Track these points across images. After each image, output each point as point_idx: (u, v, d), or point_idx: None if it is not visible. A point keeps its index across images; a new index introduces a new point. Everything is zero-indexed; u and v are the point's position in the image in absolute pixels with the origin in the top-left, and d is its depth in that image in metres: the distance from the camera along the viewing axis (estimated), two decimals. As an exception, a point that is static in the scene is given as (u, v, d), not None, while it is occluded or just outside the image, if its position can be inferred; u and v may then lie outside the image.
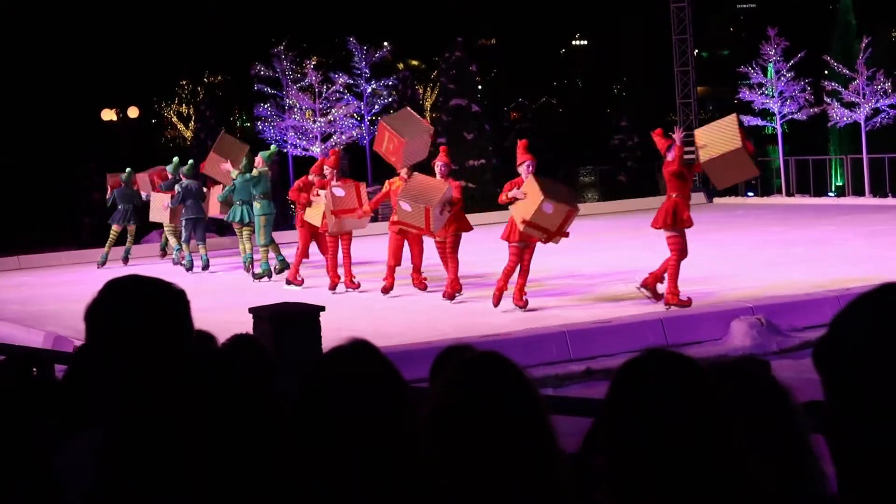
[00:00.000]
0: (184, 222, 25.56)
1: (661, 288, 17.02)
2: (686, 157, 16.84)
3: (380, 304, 19.07)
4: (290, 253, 23.03)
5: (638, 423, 2.45)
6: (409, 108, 21.82)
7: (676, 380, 2.50)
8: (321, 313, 10.53)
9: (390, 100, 39.73)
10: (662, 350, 2.60)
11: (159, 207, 26.85)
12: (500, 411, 2.66)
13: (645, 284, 17.22)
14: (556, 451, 2.70)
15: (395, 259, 19.39)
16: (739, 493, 2.39)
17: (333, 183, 20.35)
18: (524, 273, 17.40)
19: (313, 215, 20.94)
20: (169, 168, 27.30)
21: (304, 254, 21.90)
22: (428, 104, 57.43)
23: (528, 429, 2.68)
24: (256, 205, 23.07)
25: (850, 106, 35.31)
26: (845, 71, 35.75)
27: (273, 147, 26.65)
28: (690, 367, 2.53)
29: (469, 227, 18.81)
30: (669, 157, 16.57)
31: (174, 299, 3.20)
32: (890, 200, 33.69)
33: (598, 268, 22.49)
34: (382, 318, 17.47)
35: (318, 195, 20.73)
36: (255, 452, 3.07)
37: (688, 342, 14.79)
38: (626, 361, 2.56)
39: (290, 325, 10.31)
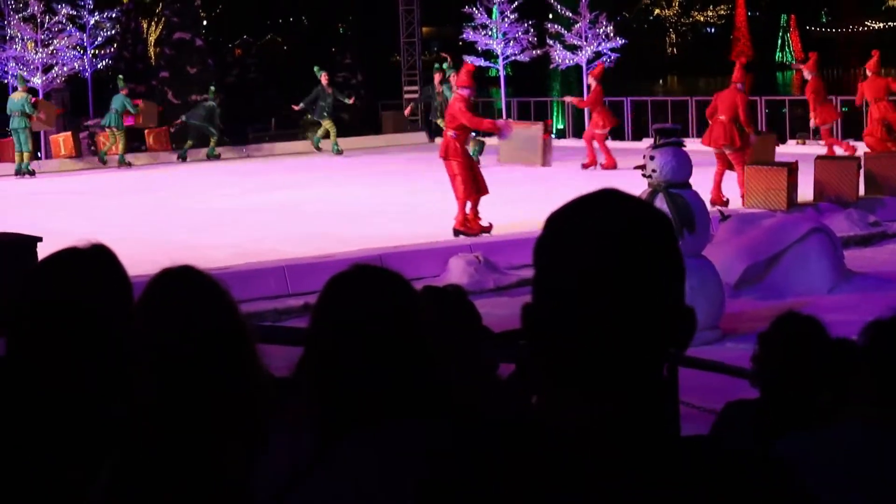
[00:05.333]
0: None
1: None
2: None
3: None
4: None
5: (335, 329, 2.57)
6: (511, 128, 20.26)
7: (376, 290, 2.64)
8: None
9: (113, 32, 38.55)
10: (367, 265, 2.75)
11: None
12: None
13: None
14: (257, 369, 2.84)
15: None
16: (431, 398, 2.55)
17: None
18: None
19: None
20: None
21: None
22: (152, 38, 56.21)
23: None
24: None
25: (573, 48, 35.57)
26: (569, 14, 36.02)
27: None
28: (395, 281, 2.70)
29: None
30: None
31: None
32: (609, 143, 34.09)
33: (321, 204, 22.27)
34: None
35: None
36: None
37: (408, 278, 14.56)
38: (331, 277, 2.70)
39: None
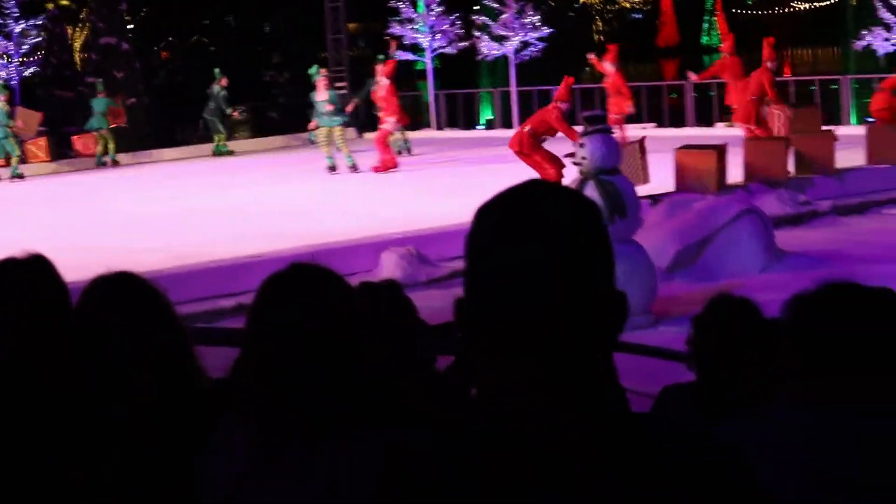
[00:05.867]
0: None
1: None
2: None
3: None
4: None
5: (273, 329, 2.57)
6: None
7: (314, 289, 2.65)
8: None
9: (39, 39, 38.25)
10: (302, 264, 2.76)
11: None
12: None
13: None
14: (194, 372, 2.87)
15: None
16: (371, 394, 2.57)
17: None
18: None
19: None
20: None
21: None
22: (77, 44, 55.74)
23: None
24: None
25: (500, 39, 35.61)
26: (495, 5, 36.04)
27: None
28: (332, 279, 2.73)
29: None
30: None
31: None
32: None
33: (250, 204, 22.28)
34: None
35: None
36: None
37: (341, 274, 14.56)
38: (267, 277, 2.70)
39: None
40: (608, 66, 25.97)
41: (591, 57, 25.09)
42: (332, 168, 26.12)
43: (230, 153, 34.16)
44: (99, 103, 32.75)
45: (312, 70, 27.11)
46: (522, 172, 23.70)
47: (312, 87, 26.71)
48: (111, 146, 32.98)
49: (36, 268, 3.14)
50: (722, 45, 27.66)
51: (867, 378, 2.73)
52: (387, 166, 25.52)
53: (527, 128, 20.20)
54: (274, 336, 2.58)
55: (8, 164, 30.53)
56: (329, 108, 25.46)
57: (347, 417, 2.54)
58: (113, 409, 2.82)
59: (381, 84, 26.81)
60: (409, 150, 29.76)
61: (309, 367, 2.54)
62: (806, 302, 2.85)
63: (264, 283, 2.70)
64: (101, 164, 32.82)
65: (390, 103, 26.32)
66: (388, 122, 26.33)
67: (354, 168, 25.87)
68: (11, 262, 3.11)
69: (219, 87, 33.37)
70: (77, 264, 7.93)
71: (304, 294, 2.64)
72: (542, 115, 20.23)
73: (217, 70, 33.59)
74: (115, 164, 32.87)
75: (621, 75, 26.15)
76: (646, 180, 17.86)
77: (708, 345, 4.58)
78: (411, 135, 31.21)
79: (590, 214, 1.85)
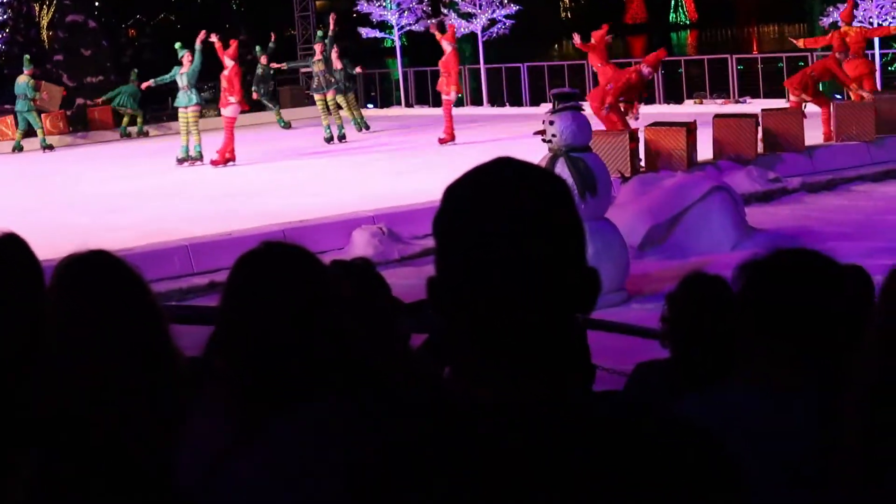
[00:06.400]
0: None
1: None
2: None
3: None
4: None
5: (251, 309, 2.58)
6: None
7: (288, 268, 2.64)
8: None
9: (5, 17, 38.03)
10: (275, 242, 2.75)
11: None
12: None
13: None
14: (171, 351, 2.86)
15: None
16: (351, 372, 2.58)
17: None
18: None
19: None
20: None
21: None
22: (45, 21, 55.46)
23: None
24: None
25: (467, 17, 35.57)
26: (462, -19, 36.05)
27: None
28: (305, 257, 2.71)
29: None
30: None
31: None
32: (507, 109, 34.18)
33: (220, 182, 22.26)
34: None
35: None
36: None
37: (312, 252, 14.58)
38: (241, 256, 2.68)
39: None
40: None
41: (577, 40, 23.60)
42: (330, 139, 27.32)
43: (288, 126, 33.08)
44: (128, 88, 34.04)
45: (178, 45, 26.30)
46: (493, 149, 23.73)
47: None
48: (139, 119, 34.44)
49: (10, 246, 3.10)
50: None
51: (812, 346, 2.73)
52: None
53: (609, 85, 20.37)
54: (249, 314, 2.58)
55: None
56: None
57: (323, 393, 2.54)
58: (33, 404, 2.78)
59: (227, 65, 24.82)
60: (366, 127, 29.58)
61: (287, 346, 2.54)
62: (757, 268, 2.85)
63: (237, 262, 2.69)
64: (126, 135, 34.09)
65: (233, 84, 24.61)
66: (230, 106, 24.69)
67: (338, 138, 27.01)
68: None
69: (263, 65, 32.47)
70: (45, 242, 7.89)
71: (277, 272, 2.64)
72: (620, 74, 20.67)
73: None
74: (145, 135, 34.20)
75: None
76: (633, 173, 17.73)
77: (681, 322, 4.58)
78: (381, 111, 31.10)
79: (560, 192, 1.85)
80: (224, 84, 24.65)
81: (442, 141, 25.56)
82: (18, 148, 31.50)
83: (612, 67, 22.01)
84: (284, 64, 34.42)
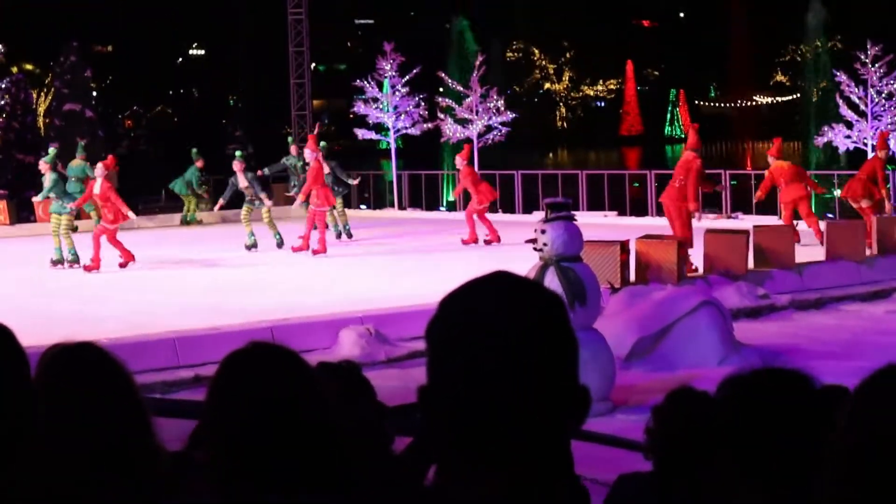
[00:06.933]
0: None
1: None
2: None
3: None
4: None
5: (238, 410, 2.56)
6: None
7: (276, 370, 2.63)
8: None
9: (2, 103, 38.31)
10: (263, 343, 2.73)
11: None
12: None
13: None
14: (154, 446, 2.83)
15: None
16: (334, 463, 2.58)
17: None
18: None
19: None
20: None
21: None
22: (42, 109, 55.83)
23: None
24: None
25: (464, 122, 35.83)
26: (459, 88, 36.32)
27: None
28: (292, 359, 2.70)
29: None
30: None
31: None
32: (500, 216, 34.29)
33: (209, 276, 22.26)
34: None
35: None
36: None
37: (299, 351, 14.50)
38: (228, 355, 2.66)
39: None
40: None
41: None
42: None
43: (199, 222, 34.40)
44: (190, 171, 34.10)
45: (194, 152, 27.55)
46: (484, 255, 23.80)
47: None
48: (193, 206, 34.61)
49: None
50: (686, 137, 27.77)
51: (786, 470, 2.71)
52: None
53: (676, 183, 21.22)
54: (235, 414, 2.58)
55: None
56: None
57: (307, 492, 2.54)
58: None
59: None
60: (348, 234, 29.30)
61: (275, 447, 2.54)
62: (742, 384, 2.84)
63: (224, 361, 2.68)
64: (186, 223, 34.54)
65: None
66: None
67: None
68: None
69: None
70: (31, 330, 7.86)
71: (263, 373, 2.63)
72: (686, 166, 21.25)
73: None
74: (198, 223, 34.50)
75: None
76: (622, 285, 17.70)
77: (666, 436, 4.56)
78: (374, 213, 31.15)
79: (555, 309, 1.87)
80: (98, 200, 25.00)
81: (465, 242, 26.45)
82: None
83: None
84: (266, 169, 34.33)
